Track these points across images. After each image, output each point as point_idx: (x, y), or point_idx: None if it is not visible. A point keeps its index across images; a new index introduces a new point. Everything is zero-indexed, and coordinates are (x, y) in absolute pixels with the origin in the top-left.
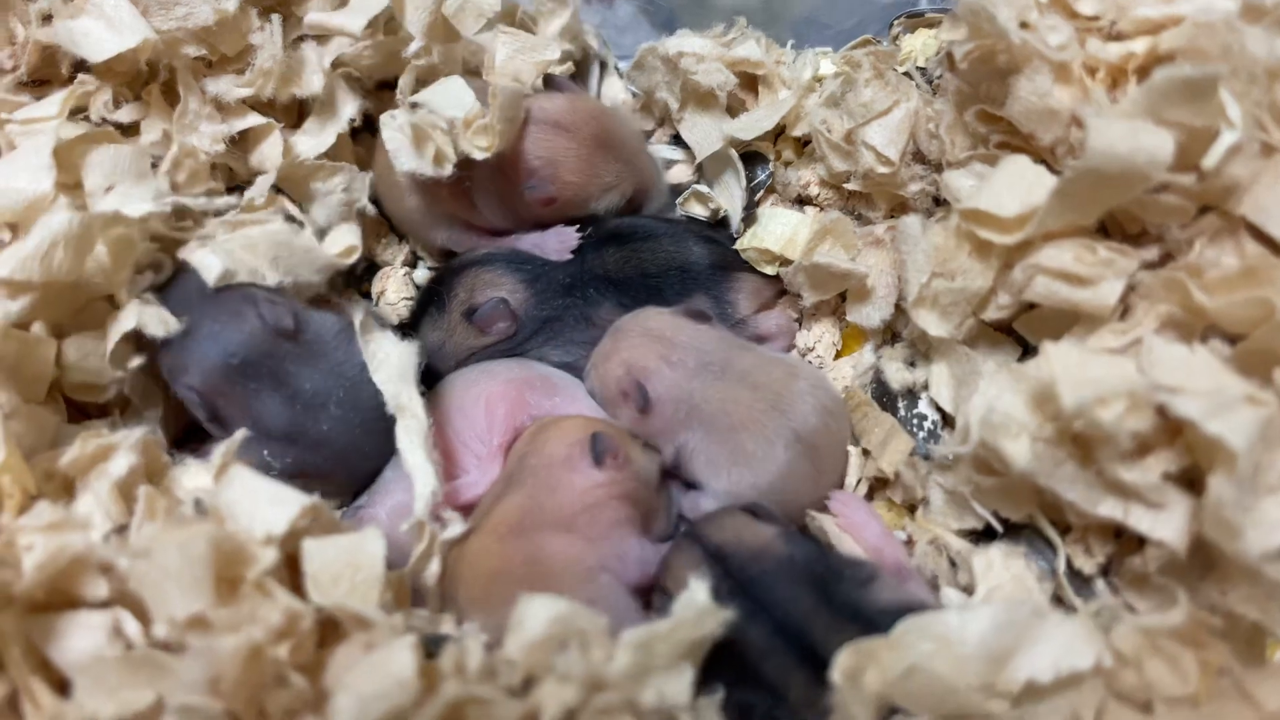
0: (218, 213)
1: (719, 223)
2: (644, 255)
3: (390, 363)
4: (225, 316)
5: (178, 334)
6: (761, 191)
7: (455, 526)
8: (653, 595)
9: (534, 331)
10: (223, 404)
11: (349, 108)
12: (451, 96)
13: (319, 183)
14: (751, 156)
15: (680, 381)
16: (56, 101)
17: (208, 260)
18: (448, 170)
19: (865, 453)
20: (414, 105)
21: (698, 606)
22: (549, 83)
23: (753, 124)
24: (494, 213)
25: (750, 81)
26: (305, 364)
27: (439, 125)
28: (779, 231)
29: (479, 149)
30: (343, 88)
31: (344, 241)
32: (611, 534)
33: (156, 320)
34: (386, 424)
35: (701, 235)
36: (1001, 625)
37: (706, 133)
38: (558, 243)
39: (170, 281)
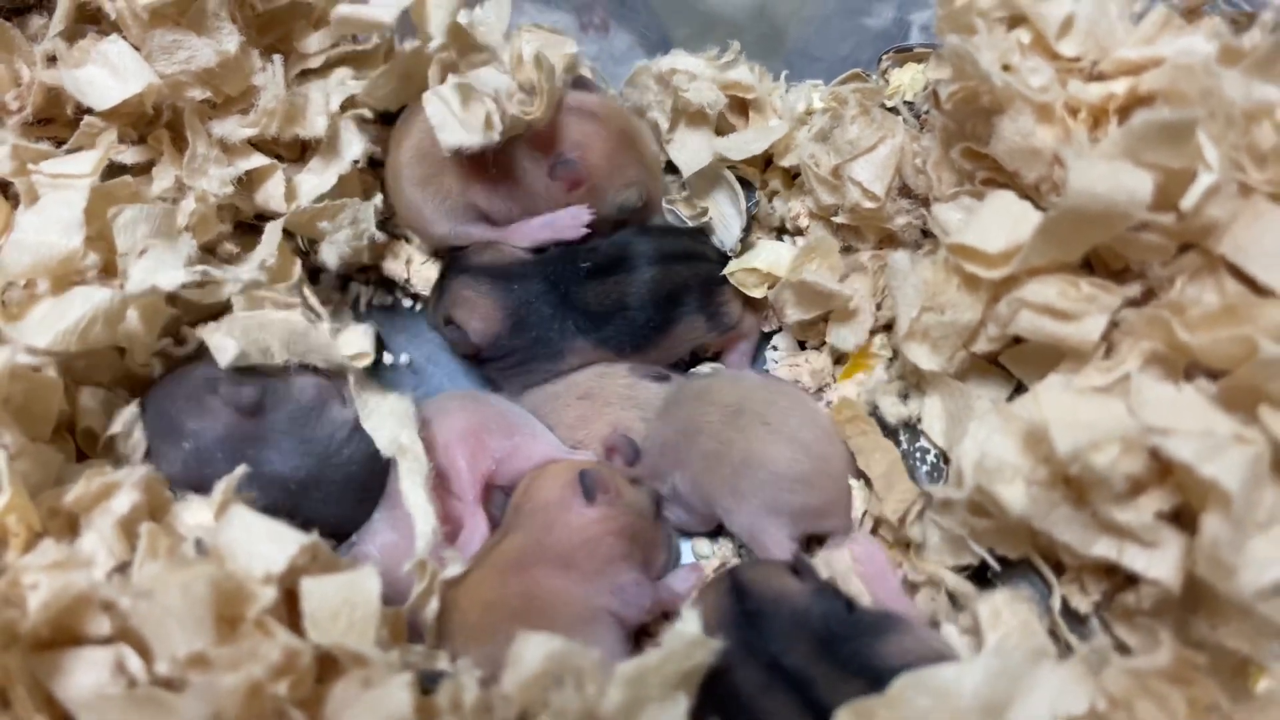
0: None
1: (699, 230)
2: (626, 289)
3: (384, 410)
4: (185, 404)
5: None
6: (747, 219)
7: (455, 566)
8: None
9: (505, 354)
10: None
11: (355, 148)
12: (487, 77)
13: (325, 222)
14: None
15: (658, 429)
16: (90, 160)
17: (224, 344)
18: (496, 136)
19: (868, 483)
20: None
21: (688, 638)
22: (579, 84)
23: (742, 145)
24: (510, 200)
25: (741, 106)
26: (269, 444)
27: (486, 92)
28: (769, 256)
29: (527, 112)
30: (349, 129)
31: (357, 345)
32: (608, 569)
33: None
34: (359, 492)
35: (685, 252)
36: (996, 676)
37: (695, 150)
38: (571, 220)
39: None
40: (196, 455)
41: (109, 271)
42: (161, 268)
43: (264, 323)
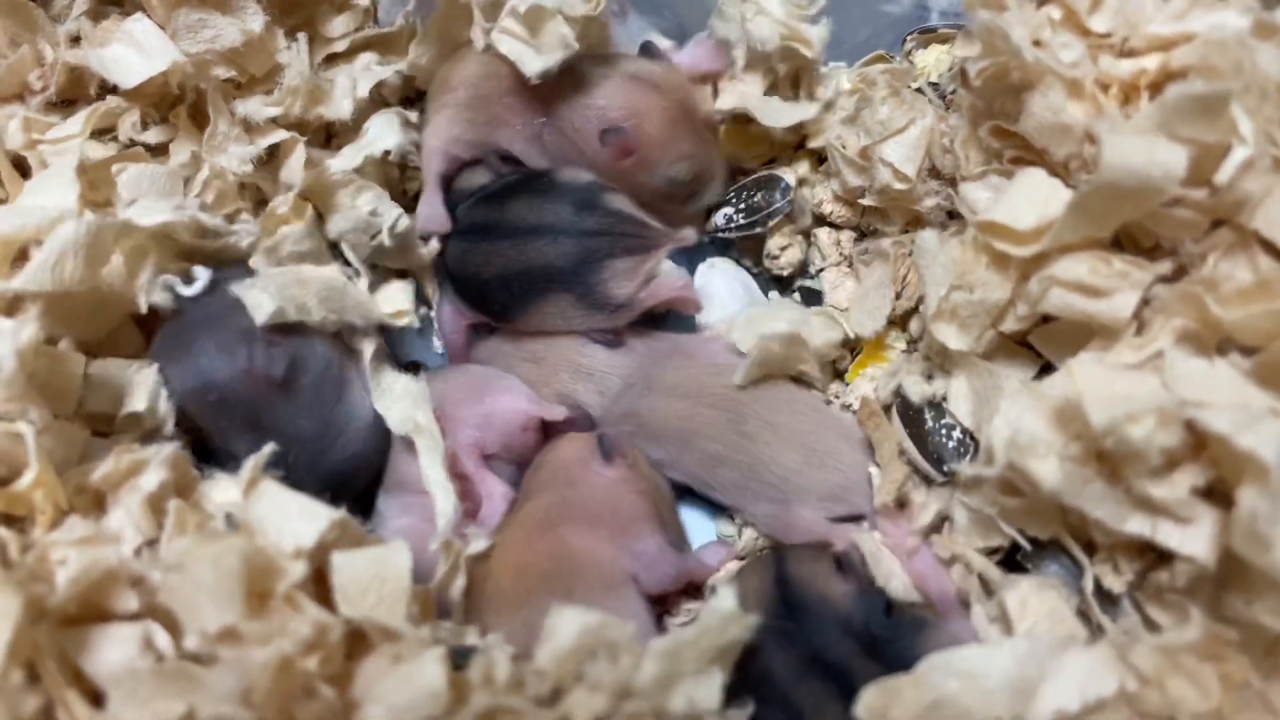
0: (247, 239)
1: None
2: (476, 258)
3: (397, 391)
4: (216, 350)
5: (175, 342)
6: (778, 218)
7: (479, 542)
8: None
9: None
10: (201, 423)
11: (388, 139)
12: None
13: (345, 196)
14: (767, 182)
15: (633, 411)
16: (80, 120)
17: (260, 300)
18: (575, 46)
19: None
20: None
21: (724, 613)
22: (646, 50)
23: (772, 111)
24: (556, 158)
25: (796, 81)
26: (287, 411)
27: (550, 5)
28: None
29: (593, 13)
30: (390, 122)
31: (395, 303)
32: (633, 528)
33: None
34: (355, 475)
35: (551, 226)
36: (1024, 659)
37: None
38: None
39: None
40: (213, 406)
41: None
42: (146, 211)
43: (302, 279)
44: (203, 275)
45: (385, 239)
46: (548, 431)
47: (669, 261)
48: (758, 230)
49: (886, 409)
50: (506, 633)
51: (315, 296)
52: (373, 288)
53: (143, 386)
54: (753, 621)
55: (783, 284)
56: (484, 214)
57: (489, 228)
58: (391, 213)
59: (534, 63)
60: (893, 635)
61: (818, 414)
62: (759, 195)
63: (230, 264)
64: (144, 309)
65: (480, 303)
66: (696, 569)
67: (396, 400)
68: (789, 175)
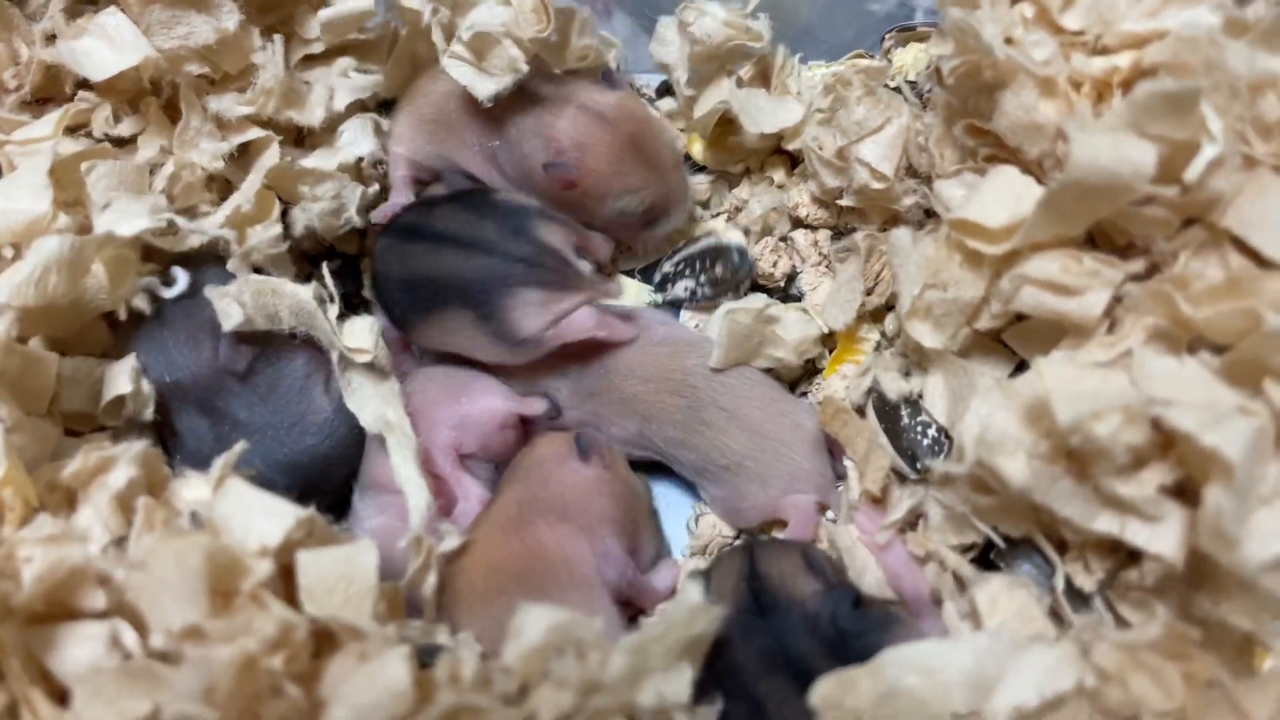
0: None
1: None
2: (419, 261)
3: (368, 389)
4: (182, 337)
5: (150, 330)
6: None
7: (451, 539)
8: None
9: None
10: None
11: (362, 145)
12: (487, 16)
13: (307, 187)
14: (717, 253)
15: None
16: (51, 121)
17: (230, 310)
18: (524, 69)
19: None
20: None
21: (690, 606)
22: (606, 76)
23: (757, 113)
24: (499, 172)
25: (764, 79)
26: (244, 402)
27: (496, 31)
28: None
29: (541, 33)
30: (363, 128)
31: (359, 339)
32: (599, 528)
33: (134, 377)
34: (315, 470)
35: (468, 240)
36: (984, 654)
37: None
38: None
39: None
40: (170, 387)
41: (84, 234)
42: (123, 216)
43: (277, 290)
44: (182, 278)
45: (355, 219)
46: (527, 431)
47: (587, 309)
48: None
49: (860, 409)
50: (478, 630)
51: (287, 308)
52: (342, 316)
53: (123, 374)
54: (720, 613)
55: (771, 294)
56: (413, 217)
57: (413, 230)
58: (355, 192)
59: (484, 86)
60: (860, 630)
61: (775, 404)
62: (718, 267)
63: (205, 261)
64: (124, 315)
65: (385, 304)
66: (645, 589)
67: (368, 399)
68: (734, 235)
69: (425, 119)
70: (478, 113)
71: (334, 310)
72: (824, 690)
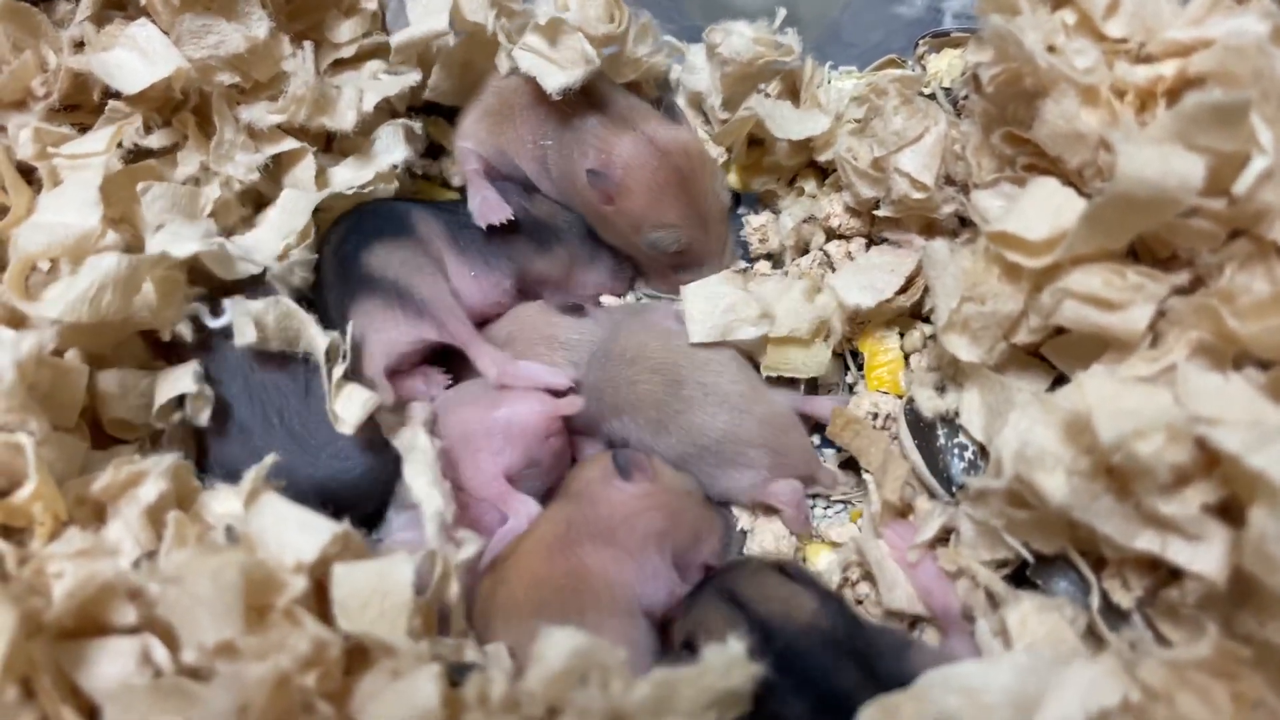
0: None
1: None
2: (346, 252)
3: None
4: None
5: None
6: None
7: (470, 546)
8: (677, 648)
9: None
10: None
11: (395, 154)
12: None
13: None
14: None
15: (592, 383)
16: (104, 138)
17: (244, 327)
18: (596, 62)
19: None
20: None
21: (729, 658)
22: (669, 110)
23: (784, 122)
24: (554, 183)
25: (792, 91)
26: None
27: (567, 20)
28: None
29: (611, 35)
30: (394, 135)
31: (348, 410)
32: (648, 545)
33: (199, 382)
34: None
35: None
36: (1025, 672)
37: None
38: (488, 207)
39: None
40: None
41: (133, 251)
42: (177, 239)
43: (303, 325)
44: (230, 309)
45: None
46: (572, 440)
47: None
48: None
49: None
50: (514, 641)
51: (305, 339)
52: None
53: (186, 375)
54: (757, 671)
55: None
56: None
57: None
58: None
59: (555, 78)
60: (877, 648)
61: (752, 384)
62: None
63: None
64: (167, 337)
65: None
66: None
67: (386, 418)
68: None
69: (490, 111)
70: (538, 110)
71: (340, 369)
72: (868, 717)
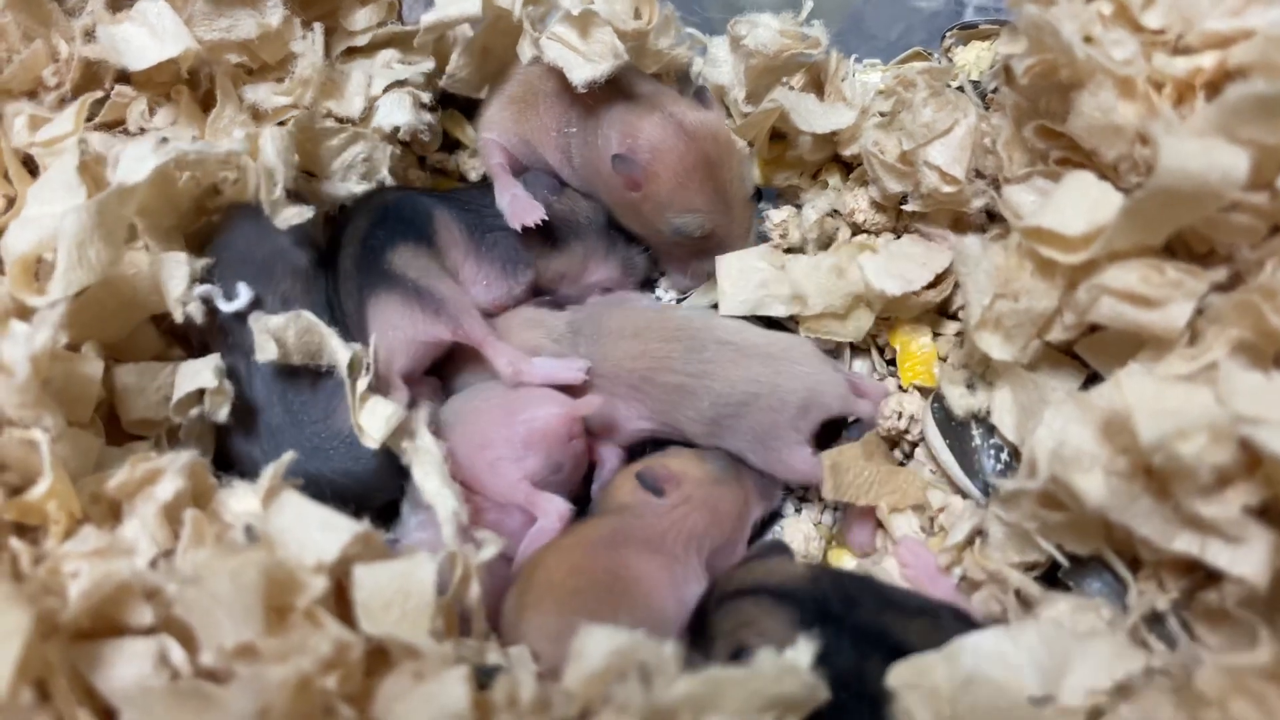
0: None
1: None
2: (371, 245)
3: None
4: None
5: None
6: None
7: (490, 547)
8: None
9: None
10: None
11: (395, 116)
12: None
13: (332, 142)
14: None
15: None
16: (70, 116)
17: (265, 344)
18: (625, 57)
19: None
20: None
21: (781, 663)
22: (698, 95)
23: (809, 115)
24: (576, 170)
25: (816, 85)
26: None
27: (599, 13)
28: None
29: (640, 30)
30: (400, 100)
31: (373, 424)
32: (689, 549)
33: (219, 376)
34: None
35: (363, 249)
36: (1050, 640)
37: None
38: (521, 207)
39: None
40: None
41: (131, 236)
42: (132, 162)
43: (324, 340)
44: (245, 293)
45: (389, 180)
46: (590, 443)
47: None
48: None
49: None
50: (547, 626)
51: (327, 354)
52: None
53: (207, 369)
54: (811, 681)
55: None
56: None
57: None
58: (385, 152)
59: (581, 70)
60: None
61: (768, 331)
62: None
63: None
64: (180, 318)
65: None
66: None
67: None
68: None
69: (514, 99)
70: (563, 97)
71: (365, 381)
72: (901, 674)
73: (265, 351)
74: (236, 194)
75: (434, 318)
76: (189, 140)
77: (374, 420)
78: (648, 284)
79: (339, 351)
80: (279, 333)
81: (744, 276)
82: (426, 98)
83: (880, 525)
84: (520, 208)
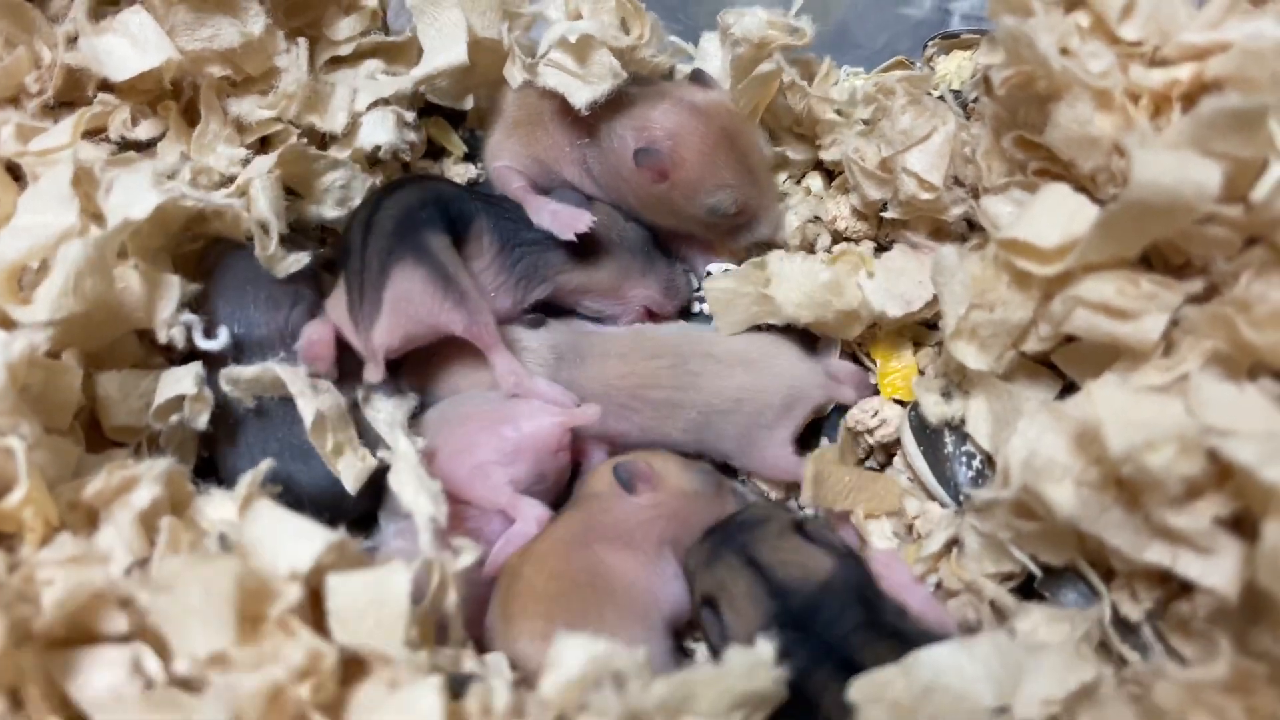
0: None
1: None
2: (417, 218)
3: (374, 417)
4: (263, 296)
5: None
6: None
7: (468, 555)
8: (699, 608)
9: None
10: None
11: (377, 134)
12: (568, 25)
13: (315, 165)
14: None
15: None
16: (67, 128)
17: (243, 397)
18: (624, 75)
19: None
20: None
21: (752, 659)
22: (697, 78)
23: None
24: (597, 179)
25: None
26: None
27: (595, 35)
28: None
29: (635, 46)
30: (382, 118)
31: (354, 477)
32: (663, 549)
33: (199, 384)
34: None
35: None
36: (1005, 652)
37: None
38: (570, 219)
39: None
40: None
41: (121, 253)
42: (133, 195)
43: (299, 389)
44: (223, 335)
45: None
46: (575, 449)
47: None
48: None
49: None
50: (536, 631)
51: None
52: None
53: (188, 376)
54: (781, 676)
55: None
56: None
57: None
58: (362, 183)
59: (582, 93)
60: (882, 601)
61: (748, 333)
62: None
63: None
64: (164, 339)
65: None
66: None
67: (381, 423)
68: None
69: (518, 123)
70: (568, 113)
71: (330, 440)
72: (862, 688)
73: (243, 402)
74: (227, 228)
75: (453, 308)
76: (187, 177)
77: (350, 472)
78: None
79: (307, 410)
80: (250, 386)
81: (732, 302)
82: (410, 116)
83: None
84: (566, 218)
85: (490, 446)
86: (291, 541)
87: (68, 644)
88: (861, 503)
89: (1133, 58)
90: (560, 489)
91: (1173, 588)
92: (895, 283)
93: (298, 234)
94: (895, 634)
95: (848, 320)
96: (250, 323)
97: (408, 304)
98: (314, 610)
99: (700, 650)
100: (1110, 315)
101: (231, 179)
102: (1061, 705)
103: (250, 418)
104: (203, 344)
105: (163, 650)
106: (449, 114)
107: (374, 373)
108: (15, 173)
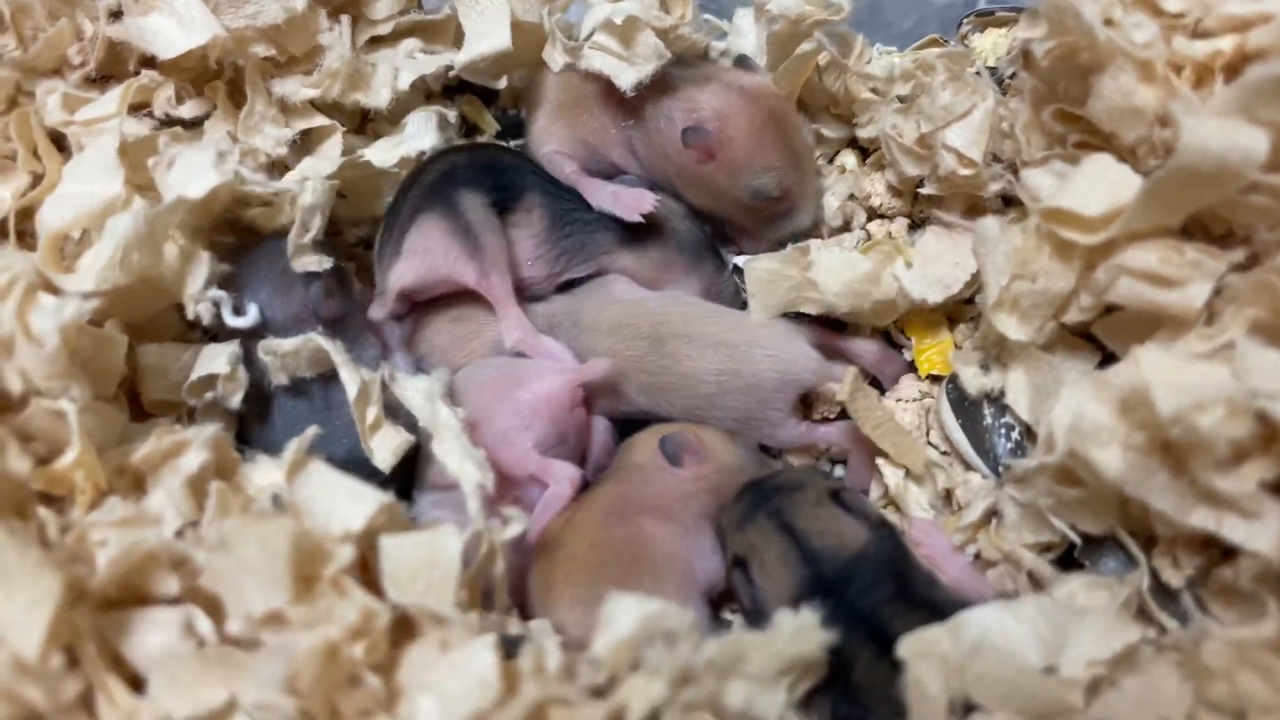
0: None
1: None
2: (459, 176)
3: (411, 391)
4: (276, 286)
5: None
6: None
7: (516, 524)
8: (730, 568)
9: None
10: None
11: (425, 140)
12: (610, 7)
13: (368, 175)
14: None
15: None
16: (114, 98)
17: (278, 372)
18: (668, 55)
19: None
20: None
21: (799, 623)
22: (741, 63)
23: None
24: (642, 161)
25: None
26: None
27: (639, 16)
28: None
29: (675, 26)
30: (427, 122)
31: (387, 452)
32: (701, 524)
33: (233, 361)
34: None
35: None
36: (1050, 612)
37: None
38: (634, 200)
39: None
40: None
41: None
42: (192, 175)
43: (339, 359)
44: (252, 312)
45: None
46: (589, 402)
47: None
48: None
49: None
50: (573, 598)
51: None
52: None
53: (222, 355)
54: (827, 639)
55: None
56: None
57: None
58: None
59: (627, 75)
60: (916, 572)
61: (729, 316)
62: None
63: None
64: (191, 315)
65: None
66: None
67: (413, 400)
68: None
69: (562, 105)
70: (613, 94)
71: (373, 411)
72: (911, 645)
73: (277, 377)
74: (262, 218)
75: (467, 259)
76: (236, 158)
77: (384, 447)
78: None
79: (349, 381)
80: (289, 357)
81: (773, 284)
82: (452, 115)
83: (893, 503)
84: (629, 199)
85: (508, 411)
86: (344, 503)
87: (121, 604)
88: (884, 440)
89: (1175, 29)
90: (584, 447)
91: (1214, 554)
92: (932, 268)
93: (333, 237)
94: (927, 604)
95: (884, 310)
96: (276, 304)
97: (424, 250)
98: (363, 572)
99: (737, 622)
100: (1154, 283)
101: (277, 161)
102: (1105, 666)
103: (283, 398)
104: (232, 321)
105: (214, 612)
106: (481, 92)
107: (378, 309)
108: (60, 143)
